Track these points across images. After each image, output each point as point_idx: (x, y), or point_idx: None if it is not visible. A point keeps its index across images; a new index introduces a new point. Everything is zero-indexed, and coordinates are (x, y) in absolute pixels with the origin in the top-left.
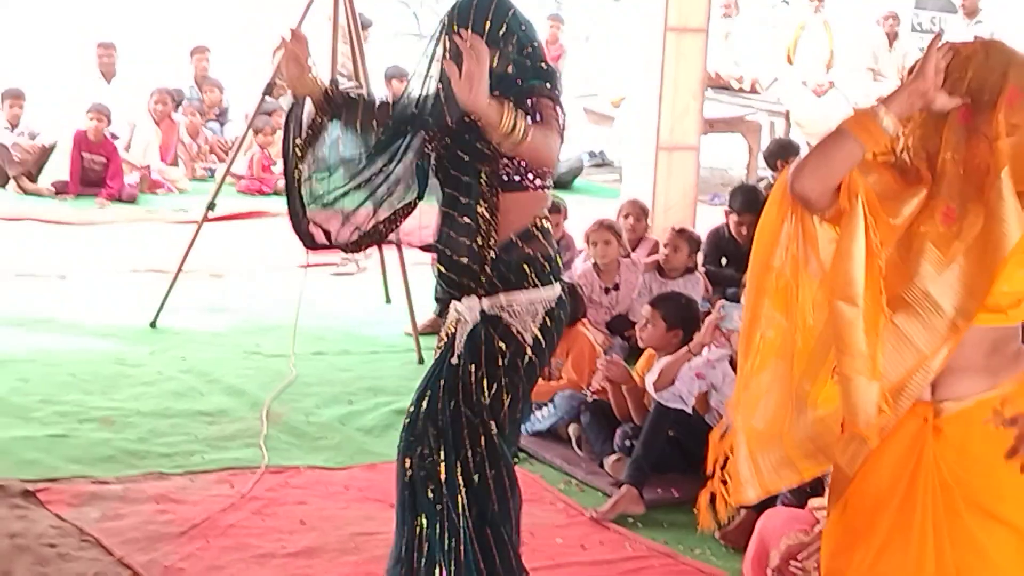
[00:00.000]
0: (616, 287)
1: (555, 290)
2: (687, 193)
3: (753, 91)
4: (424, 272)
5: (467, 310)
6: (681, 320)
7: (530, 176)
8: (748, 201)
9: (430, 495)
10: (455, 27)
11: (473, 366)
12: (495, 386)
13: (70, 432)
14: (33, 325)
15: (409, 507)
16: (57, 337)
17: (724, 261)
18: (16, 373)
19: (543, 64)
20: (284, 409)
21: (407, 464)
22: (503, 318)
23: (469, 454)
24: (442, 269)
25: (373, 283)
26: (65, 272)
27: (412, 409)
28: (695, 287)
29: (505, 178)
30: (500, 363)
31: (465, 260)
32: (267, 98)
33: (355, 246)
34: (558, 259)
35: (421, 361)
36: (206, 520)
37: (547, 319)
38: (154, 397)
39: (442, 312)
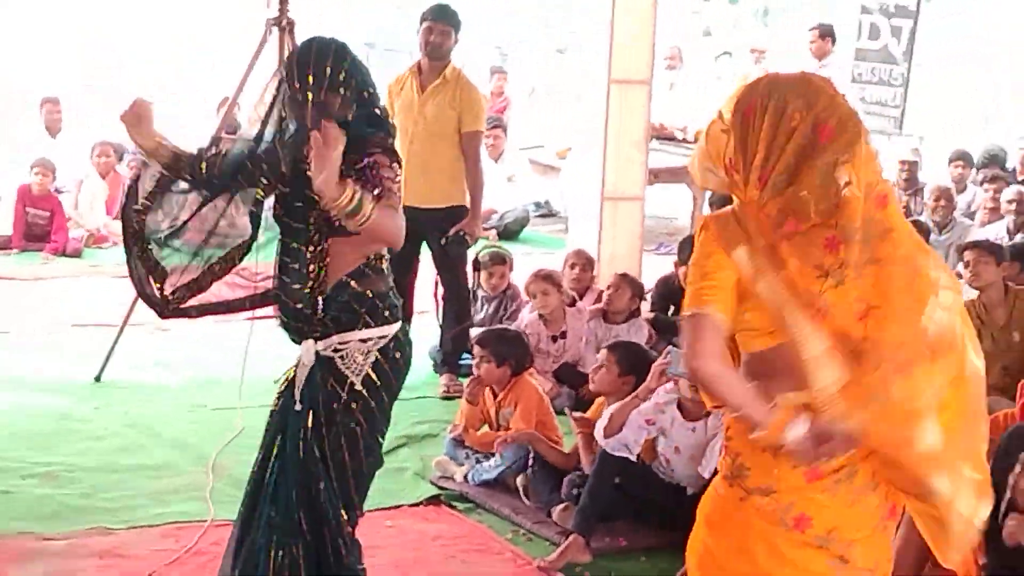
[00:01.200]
0: (563, 335)
1: (390, 329)
2: (633, 243)
3: (696, 141)
4: None
5: (304, 352)
6: (633, 367)
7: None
8: (662, 295)
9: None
10: (296, 74)
11: (311, 412)
12: (333, 430)
13: (13, 488)
14: None
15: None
16: (0, 393)
17: (672, 309)
18: None
19: (377, 110)
20: (230, 462)
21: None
22: (335, 360)
23: (312, 502)
24: (282, 316)
25: None
26: (8, 327)
27: (260, 458)
28: (639, 332)
29: (336, 223)
30: (335, 406)
31: (300, 305)
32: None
33: (186, 290)
34: (393, 297)
35: None
36: (151, 575)
37: (380, 357)
38: (98, 452)
39: None
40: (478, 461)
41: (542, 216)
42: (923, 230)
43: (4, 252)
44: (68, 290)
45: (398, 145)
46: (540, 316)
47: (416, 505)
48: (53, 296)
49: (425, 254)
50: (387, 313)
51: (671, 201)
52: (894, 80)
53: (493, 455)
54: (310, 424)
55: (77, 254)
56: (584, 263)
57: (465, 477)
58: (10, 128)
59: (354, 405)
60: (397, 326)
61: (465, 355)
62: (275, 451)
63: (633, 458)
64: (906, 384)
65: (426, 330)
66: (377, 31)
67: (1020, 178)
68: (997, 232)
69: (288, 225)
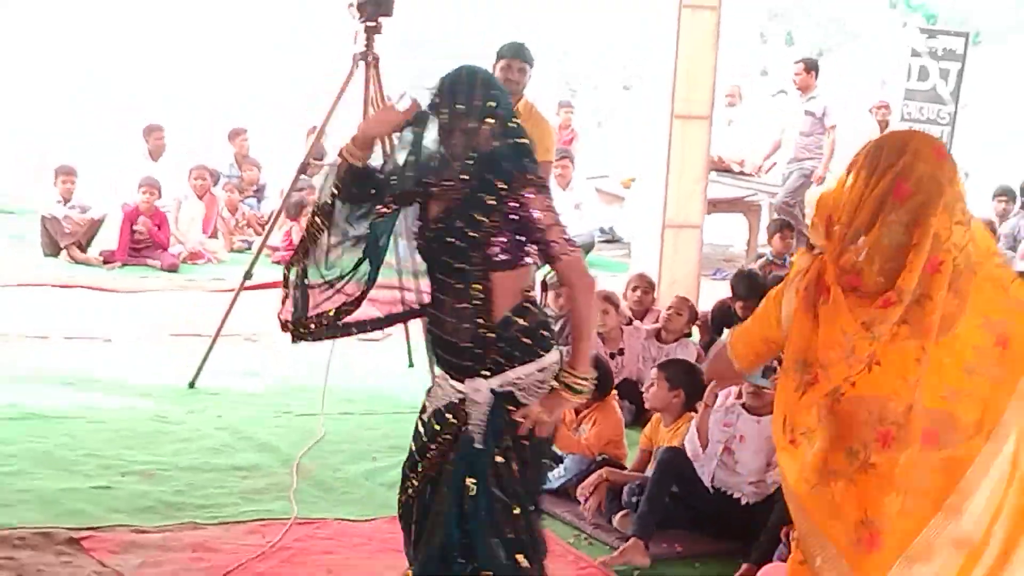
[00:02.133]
0: (620, 352)
1: (556, 355)
2: (691, 268)
3: (754, 174)
4: None
5: (474, 392)
6: (682, 382)
7: (519, 254)
8: (750, 287)
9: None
10: (442, 101)
11: (498, 450)
12: (524, 463)
13: (113, 484)
14: (80, 384)
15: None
16: (102, 396)
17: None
18: (64, 429)
19: (522, 140)
20: (313, 465)
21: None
22: (515, 395)
23: (510, 536)
24: (440, 353)
25: (397, 348)
26: (111, 335)
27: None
28: (686, 351)
29: (496, 259)
30: (524, 441)
31: (467, 343)
32: (302, 176)
33: (347, 307)
34: (551, 325)
35: None
36: (239, 568)
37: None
38: (192, 453)
39: None
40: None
41: (607, 241)
42: None
43: (109, 266)
44: (166, 302)
45: None
46: (599, 334)
47: None
48: (152, 308)
49: None
50: (550, 340)
51: (727, 230)
52: (941, 119)
53: (558, 465)
54: (498, 460)
55: (174, 269)
56: (646, 286)
57: None
58: (116, 154)
59: (539, 441)
60: (557, 350)
61: None
62: (450, 483)
63: (711, 470)
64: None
65: None
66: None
67: None
68: None
69: (448, 264)
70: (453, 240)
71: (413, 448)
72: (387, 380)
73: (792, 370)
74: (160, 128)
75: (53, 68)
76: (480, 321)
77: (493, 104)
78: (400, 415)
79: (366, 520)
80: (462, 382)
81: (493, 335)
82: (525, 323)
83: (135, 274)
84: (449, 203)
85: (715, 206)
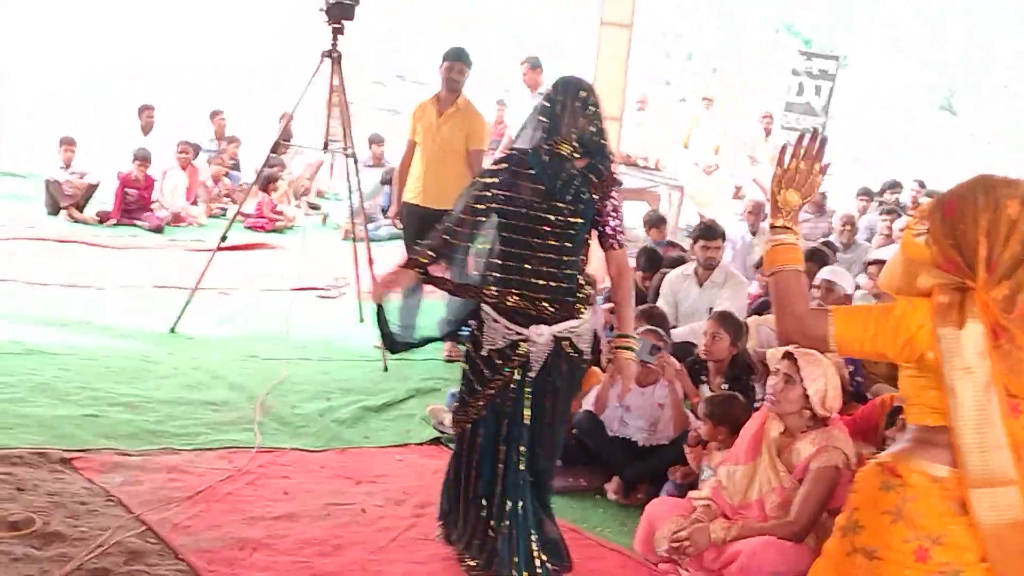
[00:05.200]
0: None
1: (590, 312)
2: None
3: (656, 169)
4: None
5: (536, 335)
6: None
7: (588, 234)
8: (649, 260)
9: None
10: (560, 97)
11: (559, 381)
12: (566, 393)
13: (101, 413)
14: (75, 327)
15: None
16: (94, 337)
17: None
18: (60, 364)
19: (605, 140)
20: (274, 402)
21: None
22: (572, 340)
23: (546, 442)
24: (512, 302)
25: (349, 306)
26: (103, 285)
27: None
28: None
29: (577, 236)
30: (575, 377)
31: (542, 295)
32: (272, 155)
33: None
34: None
35: (386, 369)
36: (208, 488)
37: (595, 338)
38: (170, 388)
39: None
40: None
41: None
42: (831, 249)
43: (105, 224)
44: (151, 258)
45: (417, 158)
46: None
47: (421, 444)
48: (139, 263)
49: None
50: (590, 302)
51: (632, 215)
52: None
53: None
54: (558, 388)
55: (160, 230)
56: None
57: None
58: (112, 127)
59: (583, 369)
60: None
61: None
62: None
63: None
64: None
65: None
66: (405, 66)
67: (910, 212)
68: (890, 254)
69: (542, 233)
70: (549, 216)
71: (472, 379)
72: (340, 332)
73: (999, 398)
74: (151, 107)
75: (60, 49)
76: (554, 283)
77: (599, 111)
78: (351, 362)
79: (319, 451)
80: (526, 327)
81: (562, 292)
82: (584, 283)
83: (125, 233)
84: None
85: (623, 195)
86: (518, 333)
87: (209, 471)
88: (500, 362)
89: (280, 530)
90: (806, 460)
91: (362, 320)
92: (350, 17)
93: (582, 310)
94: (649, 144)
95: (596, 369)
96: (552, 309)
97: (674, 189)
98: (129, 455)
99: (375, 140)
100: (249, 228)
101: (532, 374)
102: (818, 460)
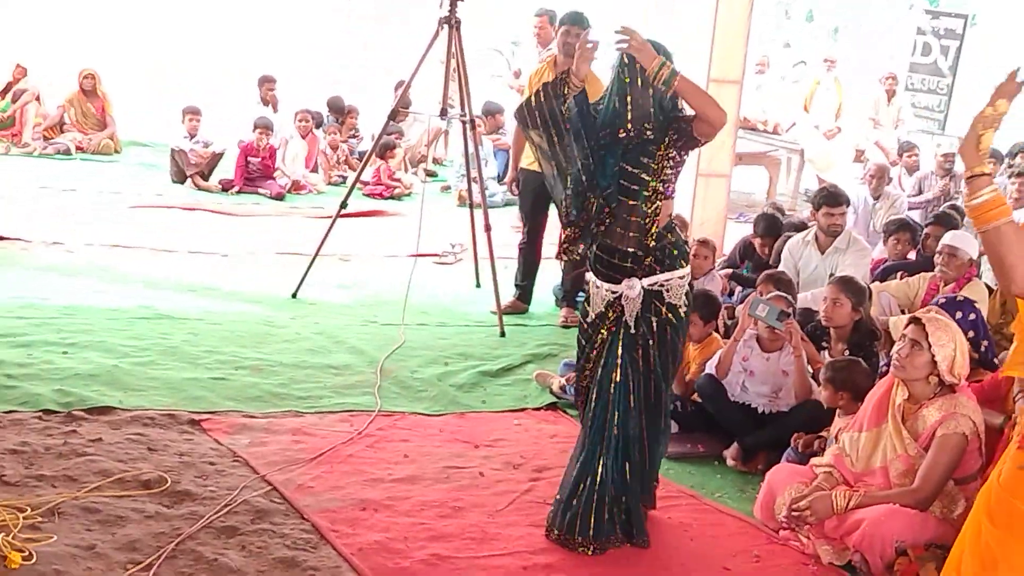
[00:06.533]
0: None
1: (688, 269)
2: (719, 211)
3: (775, 132)
4: (506, 263)
5: (628, 288)
6: (711, 312)
7: (671, 187)
8: (769, 226)
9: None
10: (633, 66)
11: (649, 335)
12: (664, 350)
13: (228, 376)
14: (202, 292)
15: (599, 427)
16: (220, 302)
17: (747, 266)
18: (188, 328)
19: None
20: (394, 367)
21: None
22: (663, 294)
23: (646, 401)
24: (604, 263)
25: (467, 271)
26: (227, 252)
27: (604, 376)
28: (712, 282)
29: (661, 187)
30: (667, 329)
31: (631, 249)
32: (391, 122)
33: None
34: (687, 248)
35: (503, 334)
36: (331, 450)
37: (689, 292)
38: (293, 352)
39: (521, 296)
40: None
41: None
42: (960, 212)
43: (227, 193)
44: (273, 225)
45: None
46: None
47: (538, 409)
48: (262, 229)
49: (553, 212)
50: (686, 258)
51: (751, 180)
52: (940, 90)
53: None
54: (651, 342)
55: (281, 197)
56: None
57: (562, 388)
58: (232, 99)
59: (680, 329)
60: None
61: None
62: (616, 362)
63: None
64: None
65: (551, 272)
66: (522, 32)
67: None
68: (1019, 218)
69: (627, 188)
70: (636, 171)
71: (583, 342)
72: (458, 297)
73: None
74: (272, 78)
75: (185, 23)
76: (645, 233)
77: (669, 69)
78: (468, 327)
79: (438, 415)
80: (619, 283)
81: (653, 244)
82: (673, 239)
83: (248, 200)
84: (636, 143)
85: (741, 159)
86: (613, 292)
87: (331, 433)
88: (600, 323)
89: (400, 492)
90: (932, 427)
91: (479, 285)
92: None
93: (674, 265)
94: (768, 108)
95: (716, 335)
96: (633, 265)
97: (794, 153)
98: (255, 417)
99: (490, 111)
100: (367, 195)
101: (629, 331)
102: (945, 427)
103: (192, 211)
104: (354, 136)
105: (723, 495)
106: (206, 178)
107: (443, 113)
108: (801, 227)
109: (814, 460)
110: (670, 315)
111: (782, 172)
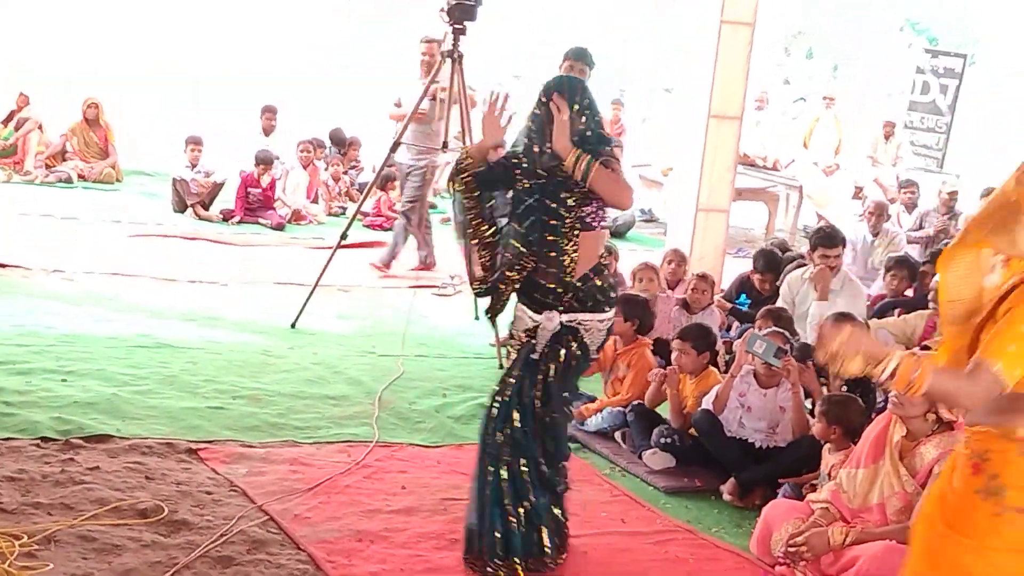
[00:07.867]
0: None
1: (612, 313)
2: (718, 246)
3: (774, 168)
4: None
5: (547, 320)
6: (707, 344)
7: (597, 218)
8: (768, 262)
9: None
10: (551, 97)
11: (552, 365)
12: (562, 381)
13: (226, 405)
14: (201, 321)
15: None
16: (219, 331)
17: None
18: (187, 357)
19: (603, 131)
20: (392, 398)
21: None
22: (580, 332)
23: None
24: (527, 293)
25: (466, 303)
26: (227, 281)
27: (501, 390)
28: (711, 317)
29: (579, 224)
30: (571, 365)
31: (551, 284)
32: (391, 154)
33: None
34: (615, 290)
35: (501, 367)
36: (328, 481)
37: (607, 335)
38: (291, 382)
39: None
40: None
41: (646, 221)
42: None
43: (228, 222)
44: (273, 255)
45: None
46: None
47: None
48: (262, 259)
49: None
50: (612, 302)
51: (750, 215)
52: (939, 128)
53: (599, 413)
54: (548, 374)
55: (281, 227)
56: (679, 259)
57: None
58: (234, 129)
59: (579, 366)
60: (613, 311)
61: None
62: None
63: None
64: None
65: None
66: (524, 66)
67: None
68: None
69: (547, 223)
70: (555, 206)
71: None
72: (456, 329)
73: None
74: (273, 108)
75: (188, 56)
76: (567, 272)
77: (586, 104)
78: (466, 359)
79: (436, 446)
80: (539, 314)
81: (576, 284)
82: (599, 283)
83: (248, 230)
84: (557, 179)
85: (740, 194)
86: (533, 320)
87: (329, 464)
88: (518, 346)
89: (398, 523)
90: (930, 464)
91: (477, 318)
92: (472, 18)
93: (598, 308)
94: (767, 144)
95: (713, 369)
96: (553, 300)
97: (793, 189)
98: (252, 447)
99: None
100: (367, 226)
101: (535, 355)
102: (942, 464)
103: (193, 240)
104: (355, 167)
105: (720, 530)
106: (207, 208)
107: (444, 146)
108: (801, 263)
109: (810, 496)
110: (579, 352)
111: (781, 208)
